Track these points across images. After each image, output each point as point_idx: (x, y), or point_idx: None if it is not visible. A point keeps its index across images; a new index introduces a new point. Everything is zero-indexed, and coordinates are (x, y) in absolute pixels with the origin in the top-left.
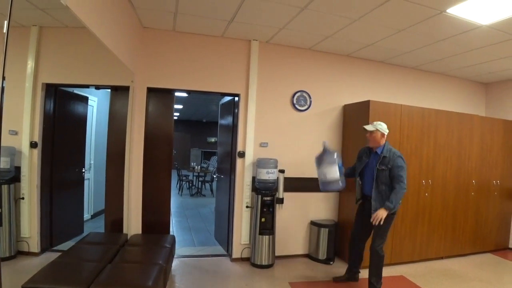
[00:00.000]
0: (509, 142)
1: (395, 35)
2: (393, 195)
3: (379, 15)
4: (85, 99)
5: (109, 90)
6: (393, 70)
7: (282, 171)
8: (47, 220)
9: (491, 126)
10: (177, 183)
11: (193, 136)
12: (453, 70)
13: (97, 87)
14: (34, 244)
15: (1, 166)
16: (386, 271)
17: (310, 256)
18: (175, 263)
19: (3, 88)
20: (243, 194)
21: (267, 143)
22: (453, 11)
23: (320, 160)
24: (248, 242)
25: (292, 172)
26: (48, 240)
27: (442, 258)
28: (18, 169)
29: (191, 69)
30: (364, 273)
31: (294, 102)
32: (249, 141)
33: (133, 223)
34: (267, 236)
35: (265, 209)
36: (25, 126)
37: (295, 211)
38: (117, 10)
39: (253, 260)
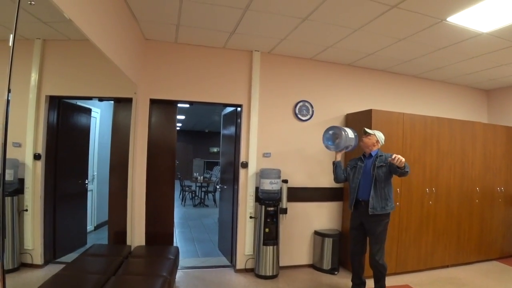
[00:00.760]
0: None
1: (396, 44)
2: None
3: (380, 25)
4: (88, 111)
5: (112, 101)
6: (395, 79)
7: (285, 181)
8: (50, 232)
9: (493, 133)
10: (180, 194)
11: (196, 146)
12: (454, 78)
13: (100, 99)
14: (37, 256)
15: (6, 179)
16: (391, 281)
17: (315, 266)
18: (179, 274)
19: (8, 101)
20: (246, 204)
21: (270, 153)
22: (453, 19)
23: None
24: (252, 253)
25: (295, 182)
26: (52, 252)
27: (447, 266)
28: (21, 181)
29: (193, 80)
30: (369, 283)
31: (297, 112)
32: (252, 151)
33: (136, 234)
34: (271, 247)
35: (268, 220)
36: (28, 138)
37: (298, 221)
38: (120, 23)
39: (257, 271)
